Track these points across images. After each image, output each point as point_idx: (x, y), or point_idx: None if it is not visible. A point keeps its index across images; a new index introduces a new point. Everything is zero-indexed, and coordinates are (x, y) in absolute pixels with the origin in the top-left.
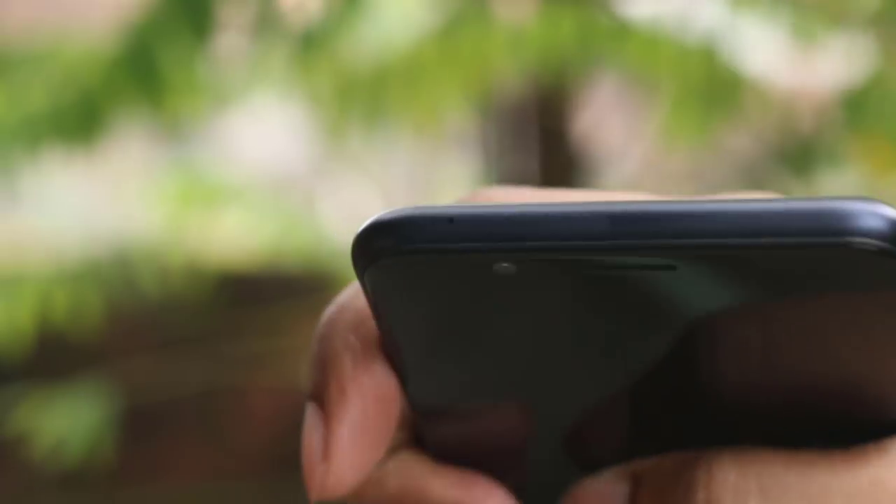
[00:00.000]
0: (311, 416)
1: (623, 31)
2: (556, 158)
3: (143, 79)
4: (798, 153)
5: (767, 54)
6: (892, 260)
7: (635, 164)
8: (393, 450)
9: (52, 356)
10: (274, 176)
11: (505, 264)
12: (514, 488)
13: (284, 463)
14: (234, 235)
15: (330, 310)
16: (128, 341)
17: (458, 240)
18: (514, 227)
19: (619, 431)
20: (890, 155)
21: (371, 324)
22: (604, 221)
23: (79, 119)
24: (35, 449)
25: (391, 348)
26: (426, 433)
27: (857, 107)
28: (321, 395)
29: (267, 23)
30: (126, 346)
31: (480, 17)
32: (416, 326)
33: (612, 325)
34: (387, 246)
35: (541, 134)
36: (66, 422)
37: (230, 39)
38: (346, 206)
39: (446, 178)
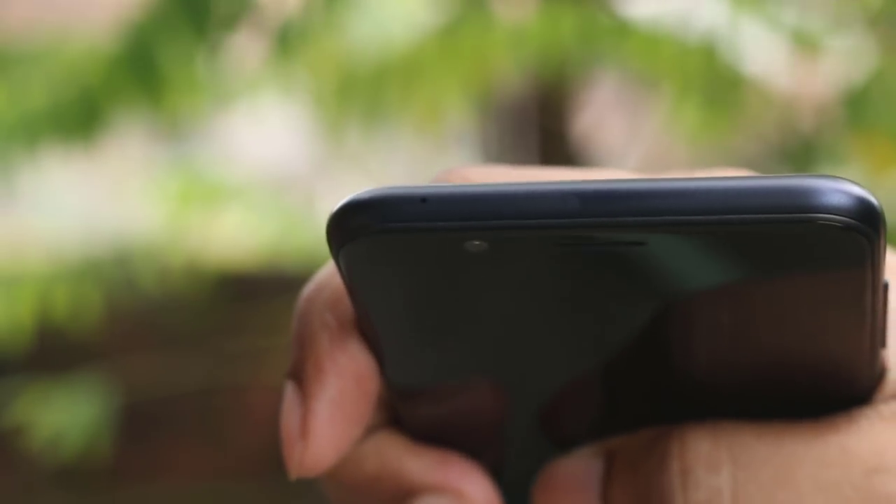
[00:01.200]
0: (289, 394)
1: (623, 30)
2: (556, 158)
3: (143, 77)
4: (799, 152)
5: (768, 53)
6: (857, 235)
7: (635, 164)
8: (370, 430)
9: (52, 354)
10: (274, 175)
11: (476, 242)
12: (491, 467)
13: (284, 462)
14: (234, 234)
15: (308, 288)
16: (127, 339)
17: (430, 219)
18: (484, 206)
19: (593, 409)
20: (890, 153)
21: (348, 302)
22: (573, 200)
23: (79, 117)
24: (32, 441)
25: (367, 327)
26: (403, 413)
27: (857, 105)
28: (299, 373)
29: (249, 18)
30: (126, 344)
31: (480, 16)
32: (390, 305)
33: (584, 302)
34: (360, 225)
35: (541, 134)
36: (64, 416)
37: (229, 38)
38: None
39: None
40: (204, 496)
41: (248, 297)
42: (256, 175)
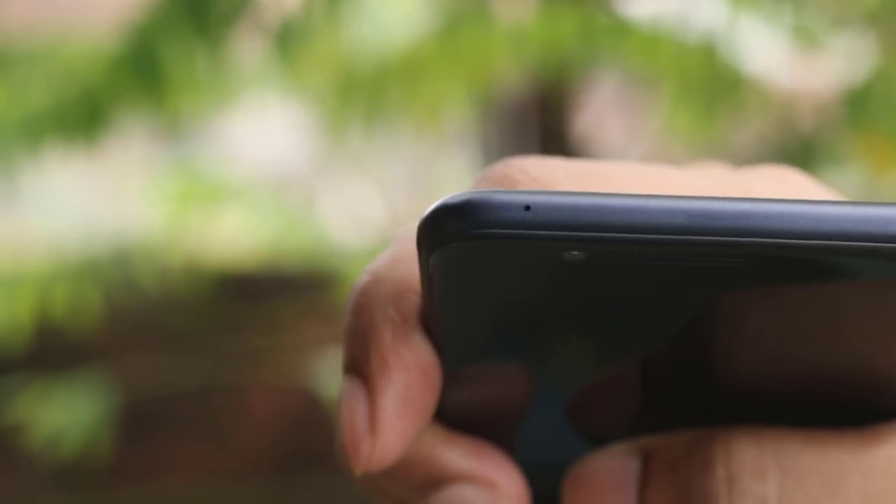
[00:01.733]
0: (351, 389)
1: (623, 30)
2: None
3: (144, 77)
4: (799, 151)
5: (768, 53)
6: None
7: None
8: None
9: (52, 353)
10: (274, 175)
11: (575, 252)
12: (522, 458)
13: (284, 462)
14: (234, 234)
15: (364, 280)
16: (128, 339)
17: (534, 227)
18: (589, 217)
19: (631, 406)
20: (890, 152)
21: (411, 297)
22: (681, 216)
23: (80, 117)
24: (32, 440)
25: (435, 324)
26: (444, 401)
27: (857, 105)
28: (361, 368)
29: (249, 16)
30: (126, 343)
31: (481, 16)
32: (470, 307)
33: (660, 308)
34: (457, 230)
35: (541, 134)
36: (64, 415)
37: (229, 36)
38: (346, 206)
39: (446, 177)
40: (204, 496)
41: (248, 297)
42: (256, 175)
